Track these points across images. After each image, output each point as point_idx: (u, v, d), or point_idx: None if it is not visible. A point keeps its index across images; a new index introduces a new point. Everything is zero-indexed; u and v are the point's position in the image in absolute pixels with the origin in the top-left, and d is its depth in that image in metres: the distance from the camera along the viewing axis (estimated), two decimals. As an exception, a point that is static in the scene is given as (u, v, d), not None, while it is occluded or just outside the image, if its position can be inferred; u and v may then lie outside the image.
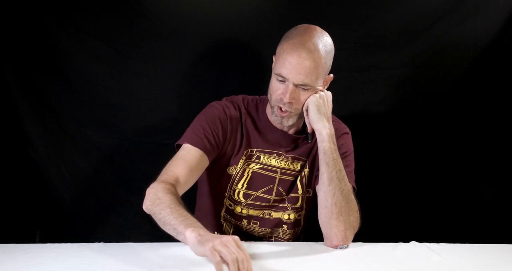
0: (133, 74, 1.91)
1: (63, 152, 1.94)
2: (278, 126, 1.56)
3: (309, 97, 1.48)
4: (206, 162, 1.49)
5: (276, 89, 1.47)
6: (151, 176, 1.46)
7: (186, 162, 1.45)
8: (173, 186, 1.38)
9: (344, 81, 1.95)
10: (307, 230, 1.69)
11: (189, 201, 1.78)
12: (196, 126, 1.52)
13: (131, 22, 1.88)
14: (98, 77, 1.90)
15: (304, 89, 1.46)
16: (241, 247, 1.14)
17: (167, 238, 1.32)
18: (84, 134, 1.94)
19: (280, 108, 1.48)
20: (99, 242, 1.43)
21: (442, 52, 1.96)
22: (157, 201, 1.32)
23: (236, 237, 1.17)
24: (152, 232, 1.98)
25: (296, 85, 1.45)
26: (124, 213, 1.99)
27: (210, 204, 1.62)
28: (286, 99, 1.45)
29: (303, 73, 1.42)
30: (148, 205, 1.35)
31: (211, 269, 1.22)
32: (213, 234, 1.20)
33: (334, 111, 1.71)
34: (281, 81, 1.46)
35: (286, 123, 1.52)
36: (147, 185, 1.42)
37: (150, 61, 1.91)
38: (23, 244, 1.44)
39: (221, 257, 1.11)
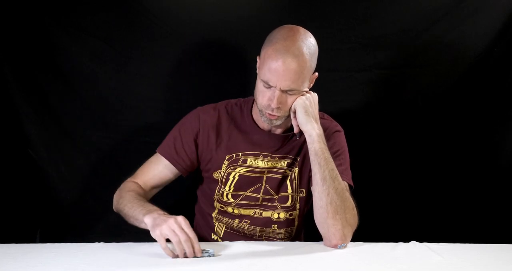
0: (133, 74, 1.91)
1: (63, 152, 1.94)
2: (265, 127, 1.57)
3: (295, 99, 1.48)
4: (172, 171, 1.58)
5: (263, 95, 1.47)
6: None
7: (150, 170, 1.59)
8: (135, 183, 1.56)
9: (344, 81, 1.95)
10: (308, 230, 1.69)
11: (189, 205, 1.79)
12: (170, 136, 1.61)
13: (131, 22, 1.88)
14: (98, 77, 1.91)
15: (290, 94, 1.46)
16: (185, 227, 1.28)
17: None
18: (84, 135, 1.94)
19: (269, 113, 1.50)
20: (99, 242, 1.44)
21: (442, 52, 1.96)
22: (120, 200, 1.49)
23: (181, 218, 1.30)
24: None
25: (283, 91, 1.45)
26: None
27: (204, 208, 1.65)
28: (274, 105, 1.45)
29: (289, 79, 1.42)
30: (115, 206, 1.53)
31: (211, 268, 1.22)
32: (165, 217, 1.31)
33: (334, 111, 1.71)
34: (267, 87, 1.46)
35: (276, 123, 1.53)
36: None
37: (150, 61, 1.91)
38: (23, 244, 1.44)
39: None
